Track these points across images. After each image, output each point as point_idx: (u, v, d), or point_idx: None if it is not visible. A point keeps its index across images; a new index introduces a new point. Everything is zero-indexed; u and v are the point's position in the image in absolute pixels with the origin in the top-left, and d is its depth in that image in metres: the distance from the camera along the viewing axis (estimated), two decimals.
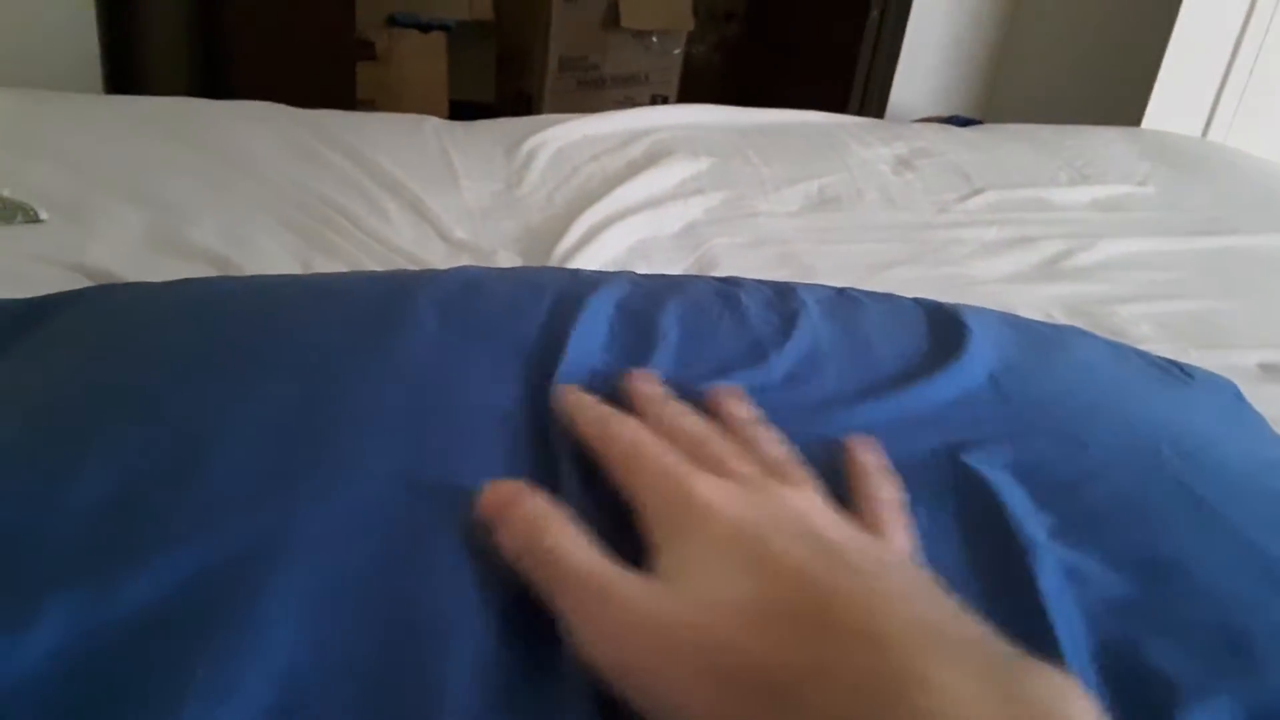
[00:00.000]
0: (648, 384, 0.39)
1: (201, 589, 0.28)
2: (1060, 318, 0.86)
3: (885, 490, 0.35)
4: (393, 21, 2.72)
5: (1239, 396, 0.50)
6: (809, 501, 0.32)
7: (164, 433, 0.34)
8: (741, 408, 0.38)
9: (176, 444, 0.34)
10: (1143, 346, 0.56)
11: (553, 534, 0.30)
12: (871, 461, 0.36)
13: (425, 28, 2.75)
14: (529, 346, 0.41)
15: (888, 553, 0.31)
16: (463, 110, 1.58)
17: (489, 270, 0.51)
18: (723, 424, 0.37)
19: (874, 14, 2.57)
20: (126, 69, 1.96)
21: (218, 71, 2.21)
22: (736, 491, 0.31)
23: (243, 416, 0.35)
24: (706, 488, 0.31)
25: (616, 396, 0.38)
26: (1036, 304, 0.88)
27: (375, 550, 0.30)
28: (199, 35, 2.19)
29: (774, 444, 0.36)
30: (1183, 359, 0.52)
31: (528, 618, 0.29)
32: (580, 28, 2.79)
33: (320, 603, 0.28)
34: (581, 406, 0.37)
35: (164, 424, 0.35)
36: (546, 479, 0.34)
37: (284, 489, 0.32)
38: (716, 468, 0.33)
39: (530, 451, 0.36)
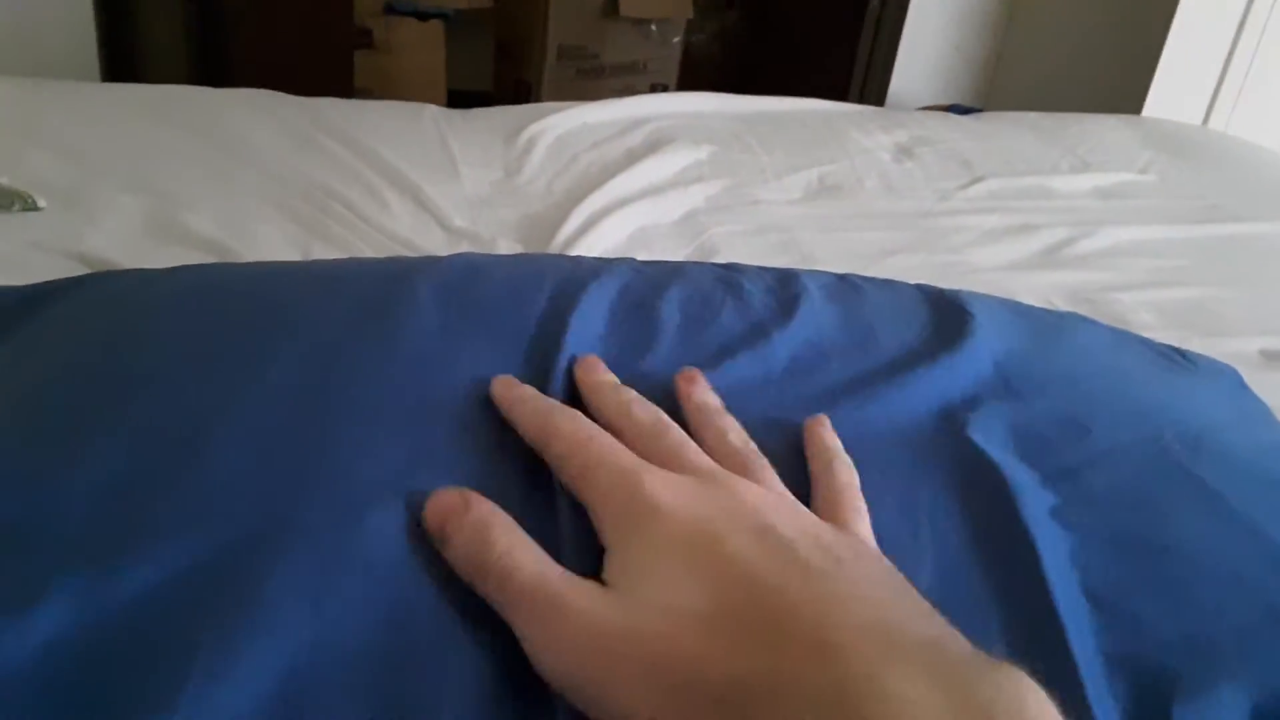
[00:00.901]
0: (594, 372, 0.37)
1: (204, 574, 0.28)
2: (1061, 305, 0.86)
3: (842, 474, 0.34)
4: (391, 9, 2.71)
5: (1241, 383, 0.50)
6: (766, 494, 0.31)
7: (167, 418, 0.34)
8: (704, 393, 0.37)
9: (180, 429, 0.34)
10: (1144, 334, 0.56)
11: (500, 544, 0.29)
12: (828, 443, 0.35)
13: (423, 16, 2.74)
14: (530, 333, 0.41)
15: (847, 545, 0.30)
16: (461, 99, 1.58)
17: (490, 256, 0.51)
18: (684, 411, 0.36)
19: (874, 1, 2.57)
20: (124, 57, 1.96)
21: (216, 59, 2.20)
22: (689, 487, 0.30)
23: (245, 402, 0.35)
24: (656, 484, 0.30)
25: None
26: (1037, 291, 0.88)
27: (379, 538, 0.30)
28: (197, 23, 2.18)
29: (735, 432, 0.35)
30: (1184, 346, 0.52)
31: None
32: (579, 16, 2.78)
33: (323, 590, 0.28)
34: (519, 399, 0.35)
35: (166, 410, 0.35)
36: (545, 469, 0.34)
37: (287, 476, 0.32)
38: (669, 461, 0.32)
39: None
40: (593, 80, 2.86)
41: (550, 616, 0.27)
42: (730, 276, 0.49)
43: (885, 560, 0.30)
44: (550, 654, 0.27)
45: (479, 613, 0.28)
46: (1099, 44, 2.38)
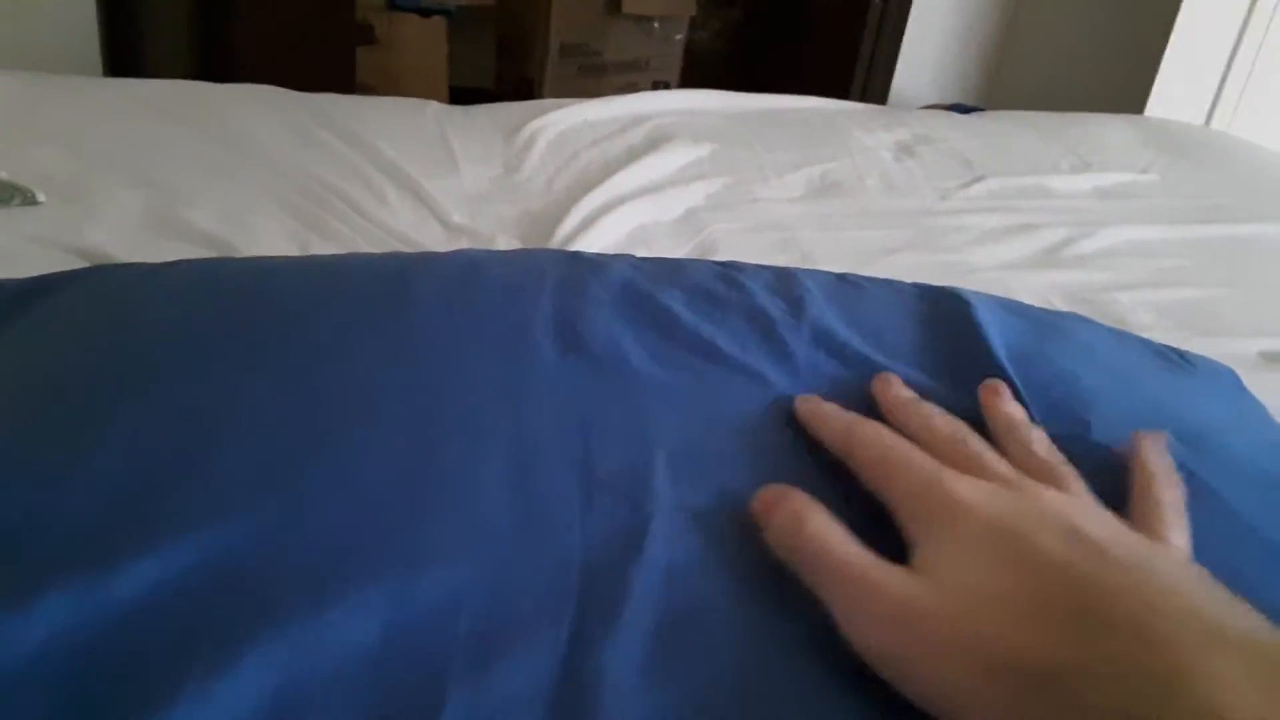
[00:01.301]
0: (893, 387, 0.39)
1: (205, 574, 0.28)
2: (1060, 305, 0.86)
3: (1162, 490, 0.34)
4: (393, 5, 2.71)
5: (1239, 384, 0.50)
6: (1071, 500, 0.32)
7: (165, 415, 0.34)
8: (1009, 405, 0.38)
9: (179, 427, 0.33)
10: (1143, 334, 0.56)
11: (814, 525, 0.31)
12: (1154, 458, 0.36)
13: (425, 12, 2.74)
14: (534, 328, 0.41)
15: (1157, 550, 0.30)
16: (462, 96, 1.58)
17: (490, 252, 0.50)
18: (989, 422, 0.37)
19: (877, 0, 2.56)
20: (126, 52, 1.96)
21: (217, 54, 2.20)
22: (994, 490, 0.32)
23: (245, 399, 0.35)
24: (958, 485, 0.32)
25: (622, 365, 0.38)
26: (1037, 291, 0.88)
27: (382, 535, 0.30)
28: (199, 18, 2.18)
29: (1041, 442, 0.36)
30: (1183, 346, 0.52)
31: (527, 603, 0.29)
32: (581, 13, 2.78)
33: (325, 589, 0.28)
34: (824, 414, 0.37)
35: (167, 406, 0.35)
36: (555, 459, 0.34)
37: (288, 475, 0.32)
38: (970, 467, 0.33)
39: (537, 431, 0.35)
40: (595, 77, 2.86)
41: (862, 594, 0.29)
42: (730, 274, 0.49)
43: (1200, 568, 0.30)
44: (863, 630, 0.28)
45: (479, 614, 0.28)
46: (1101, 43, 2.38)
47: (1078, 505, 0.32)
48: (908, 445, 0.35)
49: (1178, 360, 0.49)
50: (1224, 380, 0.50)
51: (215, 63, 2.19)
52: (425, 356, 0.39)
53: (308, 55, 2.21)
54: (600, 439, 0.36)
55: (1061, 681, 0.25)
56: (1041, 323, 0.48)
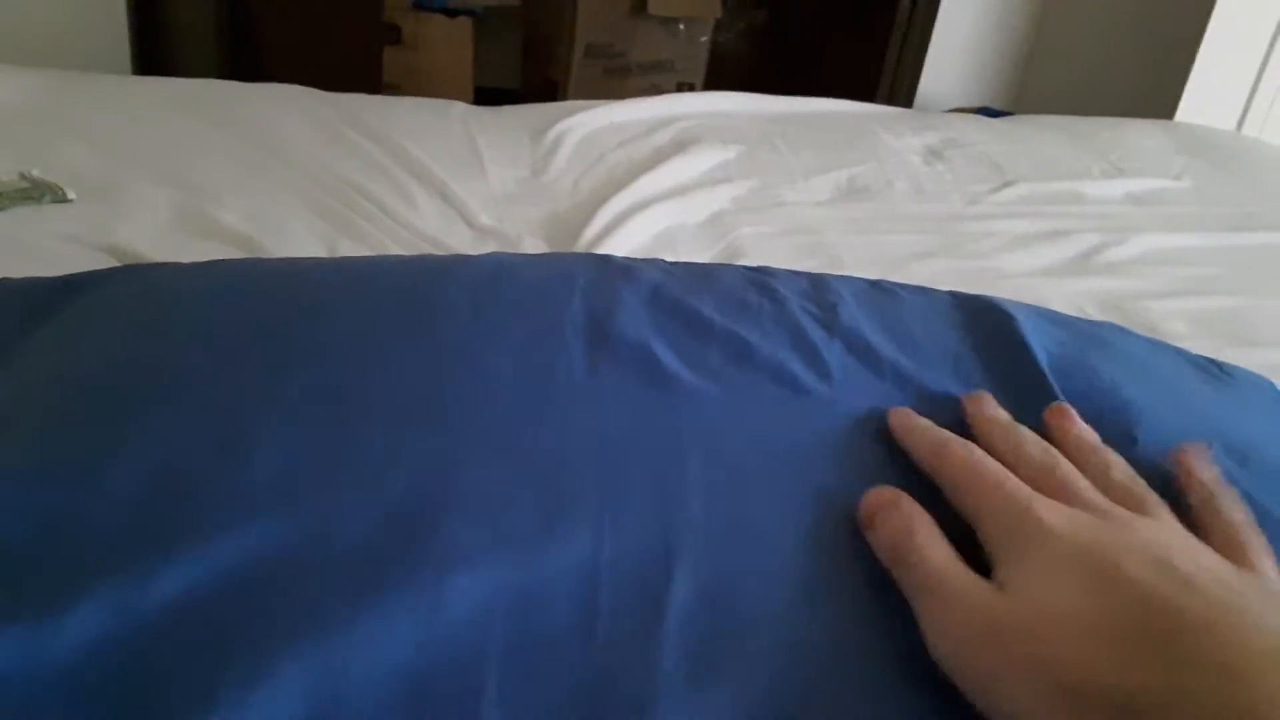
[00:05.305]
0: (986, 408, 0.39)
1: (240, 578, 0.28)
2: (1093, 313, 0.84)
3: (1233, 510, 0.34)
4: (420, 6, 2.72)
5: (1277, 395, 0.49)
6: (1160, 530, 0.32)
7: (199, 418, 0.34)
8: (1081, 428, 0.38)
9: (212, 429, 0.33)
10: (1177, 343, 0.55)
11: (921, 535, 0.32)
12: (1206, 475, 0.35)
13: (452, 12, 2.75)
14: (565, 335, 0.40)
15: (1252, 582, 0.30)
16: (488, 96, 1.58)
17: (521, 256, 0.50)
18: (1061, 446, 0.37)
19: (905, 2, 2.55)
20: (155, 50, 1.97)
21: (245, 54, 2.21)
22: (1081, 518, 0.32)
23: (279, 402, 0.35)
24: (1048, 510, 0.32)
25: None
26: (1069, 298, 0.87)
27: (414, 540, 0.30)
28: (227, 17, 2.19)
29: (1122, 469, 0.36)
30: (1217, 356, 0.51)
31: (559, 612, 0.29)
32: (607, 14, 2.78)
33: (359, 594, 0.28)
34: (915, 428, 0.38)
35: (199, 409, 0.35)
36: (584, 468, 0.34)
37: (321, 478, 0.32)
38: (1060, 494, 0.33)
39: (566, 440, 0.35)
40: (620, 79, 2.86)
41: (950, 603, 0.30)
42: (762, 280, 0.49)
43: None
44: (946, 638, 0.29)
45: (514, 619, 0.28)
46: (1131, 48, 2.36)
47: (1168, 535, 0.31)
48: (1000, 469, 0.34)
49: (1216, 372, 0.49)
50: (1263, 392, 0.49)
51: (243, 62, 2.20)
52: (455, 362, 0.38)
53: (334, 55, 2.23)
54: (630, 449, 0.35)
55: (1140, 712, 0.25)
56: (1082, 333, 0.48)
